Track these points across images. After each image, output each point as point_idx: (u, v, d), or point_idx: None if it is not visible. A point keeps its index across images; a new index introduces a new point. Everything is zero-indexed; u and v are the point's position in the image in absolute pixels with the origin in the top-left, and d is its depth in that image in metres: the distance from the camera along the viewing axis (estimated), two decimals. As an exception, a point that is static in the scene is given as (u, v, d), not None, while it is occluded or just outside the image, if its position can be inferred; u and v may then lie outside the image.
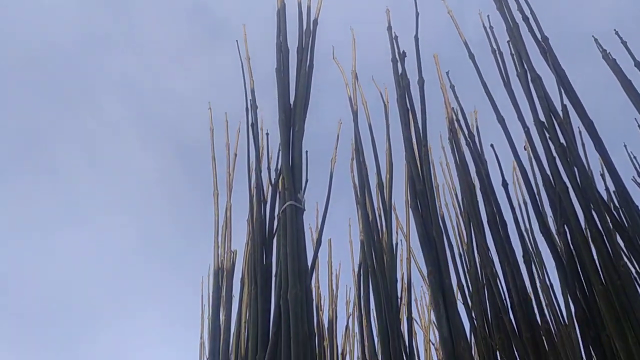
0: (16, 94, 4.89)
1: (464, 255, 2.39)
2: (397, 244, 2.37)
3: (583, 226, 1.73)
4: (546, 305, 2.28)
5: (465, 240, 2.39)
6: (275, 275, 1.78)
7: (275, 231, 1.91)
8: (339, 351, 2.61)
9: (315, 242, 2.03)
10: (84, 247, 5.20)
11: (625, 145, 2.60)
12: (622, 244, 1.77)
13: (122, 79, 5.26)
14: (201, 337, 2.83)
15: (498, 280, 1.96)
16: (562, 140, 1.85)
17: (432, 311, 2.89)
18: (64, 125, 5.18)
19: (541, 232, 1.95)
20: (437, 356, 2.75)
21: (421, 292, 3.06)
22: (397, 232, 2.52)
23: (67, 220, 5.21)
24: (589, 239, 1.67)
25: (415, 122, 1.88)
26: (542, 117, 1.94)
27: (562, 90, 1.94)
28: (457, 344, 1.44)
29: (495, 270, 2.00)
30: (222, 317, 2.45)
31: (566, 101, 1.97)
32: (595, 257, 1.65)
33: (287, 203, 1.64)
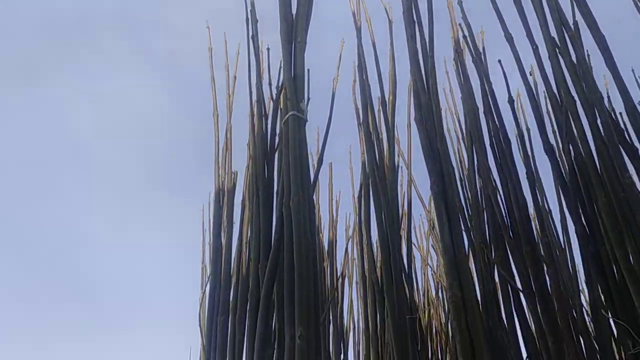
0: (14, 29, 4.74)
1: (465, 180, 2.39)
2: (398, 165, 2.36)
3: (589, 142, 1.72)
4: (546, 228, 2.29)
5: (467, 164, 2.38)
6: (277, 194, 1.78)
7: (277, 147, 1.89)
8: (339, 273, 2.65)
9: (316, 163, 2.02)
10: (86, 180, 5.21)
11: (632, 70, 2.55)
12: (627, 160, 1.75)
13: (120, 12, 5.09)
14: (202, 262, 2.86)
15: (499, 197, 1.96)
16: (573, 56, 1.80)
17: (430, 238, 2.93)
18: (63, 60, 5.05)
19: (545, 151, 1.93)
20: (434, 279, 2.80)
21: (420, 221, 3.09)
22: (398, 156, 2.51)
23: (68, 154, 5.19)
24: (594, 152, 1.65)
25: (422, 35, 1.82)
26: (552, 33, 1.89)
27: (574, 4, 1.87)
28: (459, 251, 1.45)
29: (496, 184, 1.99)
30: (223, 240, 2.47)
31: (578, 17, 1.91)
32: (600, 171, 1.65)
33: (290, 113, 1.61)
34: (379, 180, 1.94)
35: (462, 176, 2.42)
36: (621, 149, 1.70)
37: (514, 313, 1.92)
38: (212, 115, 2.49)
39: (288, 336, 1.35)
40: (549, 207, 2.49)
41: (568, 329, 1.74)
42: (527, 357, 1.83)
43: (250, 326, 1.62)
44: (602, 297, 1.77)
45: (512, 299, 1.94)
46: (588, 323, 2.13)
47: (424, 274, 2.78)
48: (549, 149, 1.86)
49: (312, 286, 1.38)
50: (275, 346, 1.53)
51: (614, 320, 1.67)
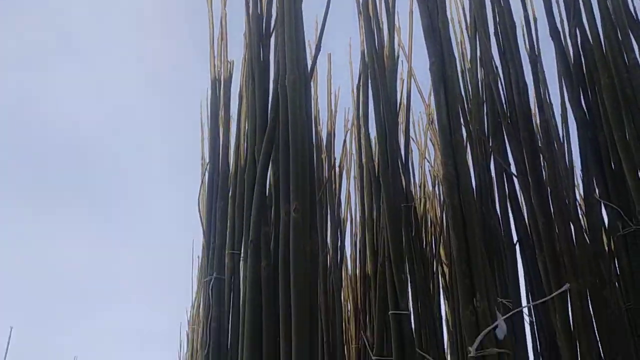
0: None
1: (466, 73, 2.34)
2: (398, 56, 2.30)
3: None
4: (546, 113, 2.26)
5: (469, 56, 2.32)
6: (274, 82, 1.74)
7: (273, 29, 1.83)
8: (337, 164, 2.67)
9: (314, 50, 1.95)
10: (82, 78, 5.14)
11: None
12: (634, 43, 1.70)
13: None
14: (202, 158, 2.86)
15: (499, 83, 1.93)
16: None
17: (429, 133, 2.91)
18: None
19: (550, 36, 1.87)
20: (431, 174, 2.82)
21: (419, 117, 3.06)
22: (399, 46, 2.43)
23: (62, 51, 5.08)
24: (601, 36, 1.60)
25: None
26: None
27: None
28: (455, 131, 1.44)
29: (497, 71, 1.95)
30: (221, 132, 2.46)
31: None
32: (605, 53, 1.60)
33: (286, -12, 1.54)
34: (378, 68, 1.90)
35: (463, 68, 2.37)
36: (629, 32, 1.64)
37: (508, 201, 1.95)
38: (206, 1, 2.39)
39: (283, 211, 1.37)
40: (550, 100, 2.46)
41: (560, 216, 1.77)
42: (517, 241, 1.88)
43: (248, 205, 1.65)
44: (598, 190, 1.79)
45: (506, 187, 1.96)
46: (580, 217, 2.17)
47: (422, 167, 2.80)
48: (555, 33, 1.80)
49: (307, 163, 1.38)
50: (273, 227, 1.56)
51: (605, 204, 1.70)
